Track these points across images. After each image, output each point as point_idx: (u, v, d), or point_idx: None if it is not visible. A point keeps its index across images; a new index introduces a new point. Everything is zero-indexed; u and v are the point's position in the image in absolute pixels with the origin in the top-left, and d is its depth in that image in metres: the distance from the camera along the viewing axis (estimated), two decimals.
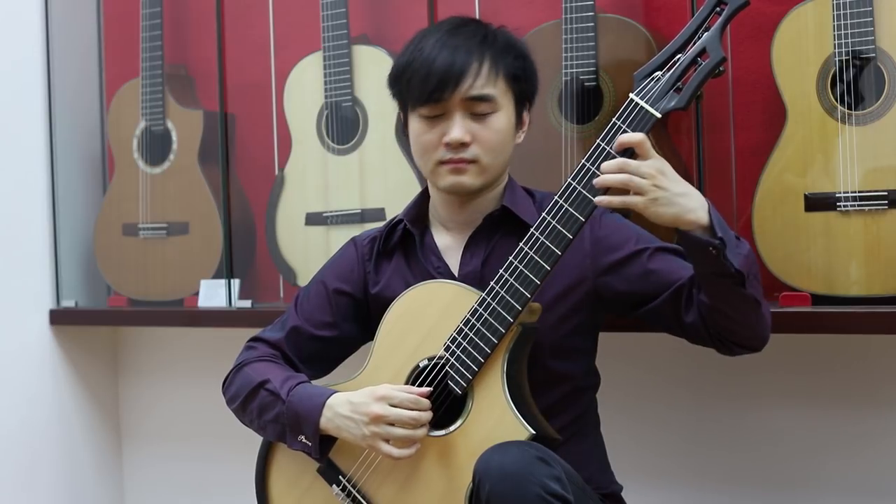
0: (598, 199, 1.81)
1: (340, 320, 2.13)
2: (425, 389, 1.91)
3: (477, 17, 2.58)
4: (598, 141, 1.83)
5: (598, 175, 1.80)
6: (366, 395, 1.92)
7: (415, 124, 2.01)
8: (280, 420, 2.00)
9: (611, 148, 1.81)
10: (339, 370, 2.19)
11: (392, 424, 1.88)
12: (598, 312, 2.05)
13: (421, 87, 1.96)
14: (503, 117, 1.98)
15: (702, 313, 1.90)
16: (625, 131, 1.81)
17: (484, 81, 1.95)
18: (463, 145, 1.96)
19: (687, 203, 1.79)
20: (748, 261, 1.82)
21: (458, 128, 1.96)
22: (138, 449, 3.29)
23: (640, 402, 2.49)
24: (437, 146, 1.98)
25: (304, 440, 1.98)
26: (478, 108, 1.96)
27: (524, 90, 2.03)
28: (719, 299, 1.86)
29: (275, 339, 2.14)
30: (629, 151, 1.80)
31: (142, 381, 3.28)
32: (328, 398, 1.96)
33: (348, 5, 2.68)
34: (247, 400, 2.06)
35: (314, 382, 2.15)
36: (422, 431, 1.89)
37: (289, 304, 2.19)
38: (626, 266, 1.98)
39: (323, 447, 1.98)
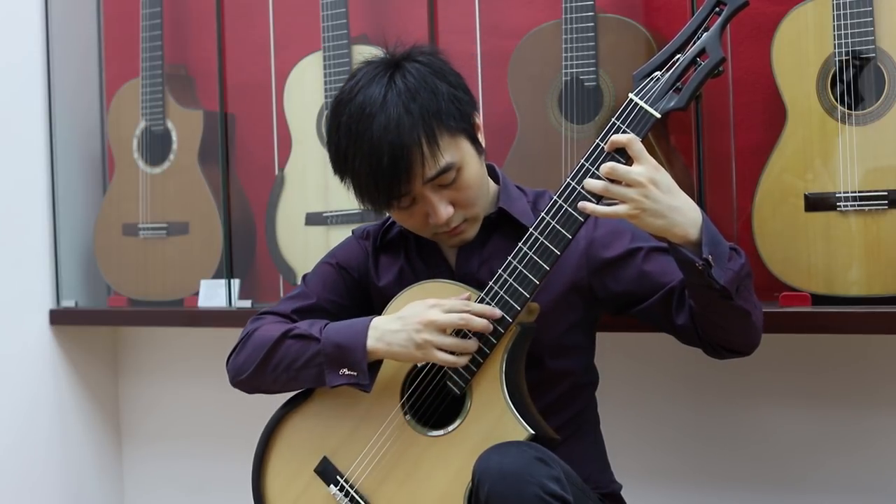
0: (582, 204, 1.79)
1: (350, 299, 2.12)
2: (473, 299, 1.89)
3: (476, 17, 2.59)
4: (597, 141, 1.82)
5: (598, 176, 1.80)
6: (415, 305, 1.91)
7: (394, 213, 1.97)
8: (316, 360, 1.96)
9: (605, 144, 1.80)
10: None
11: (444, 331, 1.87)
12: (595, 309, 2.05)
13: (377, 195, 1.89)
14: (468, 165, 1.93)
15: (692, 316, 1.90)
16: (624, 131, 1.80)
17: (433, 159, 1.87)
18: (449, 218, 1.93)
19: (675, 217, 1.77)
20: (738, 276, 1.80)
21: (439, 209, 1.91)
22: (138, 449, 3.29)
23: (640, 400, 2.49)
24: (424, 224, 1.95)
25: (347, 372, 1.94)
26: (444, 180, 1.90)
27: (465, 115, 1.93)
28: (707, 308, 1.87)
29: (283, 311, 2.11)
30: (622, 153, 1.79)
31: (142, 381, 3.28)
32: (371, 321, 1.94)
33: (348, 5, 2.68)
34: (268, 357, 2.02)
35: None
36: (473, 342, 1.87)
37: (296, 286, 2.17)
38: (619, 266, 1.97)
39: (372, 373, 1.94)
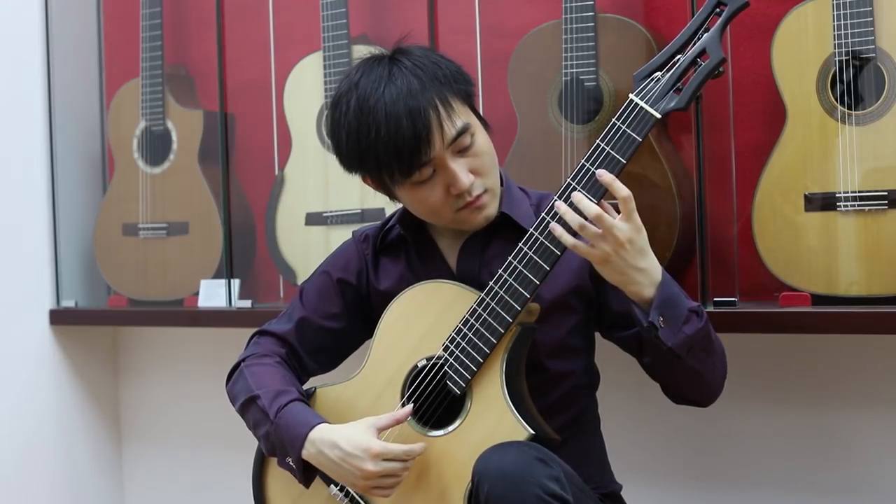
0: (553, 226, 1.81)
1: (346, 312, 2.12)
2: (407, 408, 1.90)
3: (476, 17, 2.59)
4: (597, 141, 1.82)
5: (598, 176, 1.80)
6: (359, 447, 1.87)
7: (409, 193, 1.95)
8: (269, 438, 1.99)
9: (600, 176, 1.79)
10: (338, 369, 2.18)
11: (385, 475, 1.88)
12: (594, 314, 2.05)
13: (399, 163, 1.88)
14: (479, 133, 1.94)
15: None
16: (625, 132, 1.80)
17: (450, 120, 1.89)
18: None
19: (636, 276, 1.81)
20: (692, 339, 1.83)
21: (461, 175, 1.90)
22: (138, 449, 3.29)
23: (640, 401, 2.48)
24: (446, 200, 1.93)
25: (290, 463, 1.97)
26: (462, 144, 1.90)
27: (469, 85, 1.97)
28: (657, 360, 1.90)
29: (282, 332, 2.13)
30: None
31: (142, 381, 3.28)
32: (311, 430, 1.93)
33: (348, 5, 2.68)
34: (243, 409, 2.06)
35: (319, 377, 2.16)
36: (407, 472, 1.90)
37: (292, 298, 2.18)
38: (607, 286, 1.92)
39: (309, 474, 1.97)
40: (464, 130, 1.90)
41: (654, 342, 1.83)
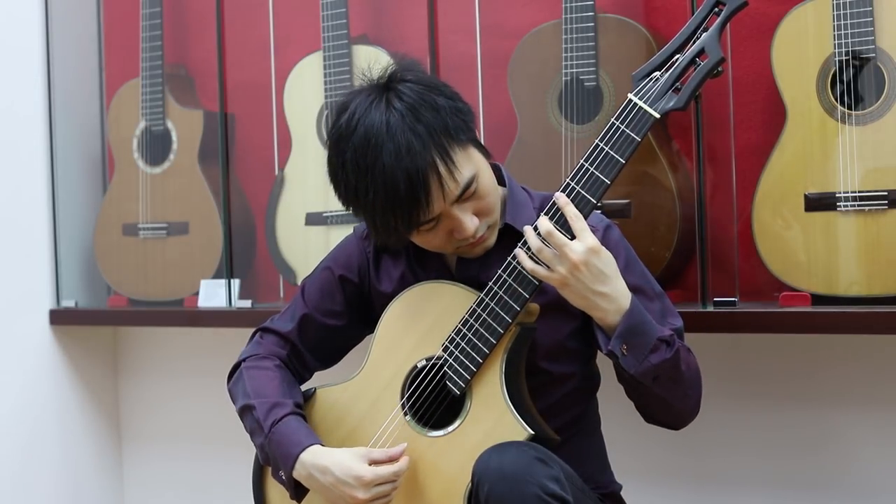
0: (517, 251, 1.83)
1: (347, 309, 2.12)
2: (402, 446, 1.90)
3: (476, 17, 2.59)
4: (596, 141, 1.82)
5: (600, 177, 1.80)
6: (350, 475, 1.86)
7: (414, 237, 1.93)
8: (263, 449, 2.00)
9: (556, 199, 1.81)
10: (337, 370, 2.18)
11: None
12: None
13: (397, 223, 1.85)
14: (483, 173, 1.91)
15: None
16: (623, 132, 1.80)
17: (452, 178, 1.84)
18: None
19: (598, 301, 1.80)
20: (657, 369, 1.82)
21: (467, 221, 1.87)
22: (138, 449, 3.29)
23: None
24: (448, 241, 1.92)
25: (283, 478, 1.97)
26: (467, 193, 1.87)
27: (468, 124, 1.90)
28: (626, 385, 1.91)
29: (285, 331, 2.12)
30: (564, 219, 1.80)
31: (142, 381, 3.28)
32: (302, 451, 1.92)
33: (348, 5, 2.67)
34: (241, 415, 2.06)
35: (320, 374, 2.16)
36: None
37: (294, 295, 2.17)
38: None
39: (300, 491, 1.96)
40: (469, 184, 1.87)
41: (619, 368, 1.84)
